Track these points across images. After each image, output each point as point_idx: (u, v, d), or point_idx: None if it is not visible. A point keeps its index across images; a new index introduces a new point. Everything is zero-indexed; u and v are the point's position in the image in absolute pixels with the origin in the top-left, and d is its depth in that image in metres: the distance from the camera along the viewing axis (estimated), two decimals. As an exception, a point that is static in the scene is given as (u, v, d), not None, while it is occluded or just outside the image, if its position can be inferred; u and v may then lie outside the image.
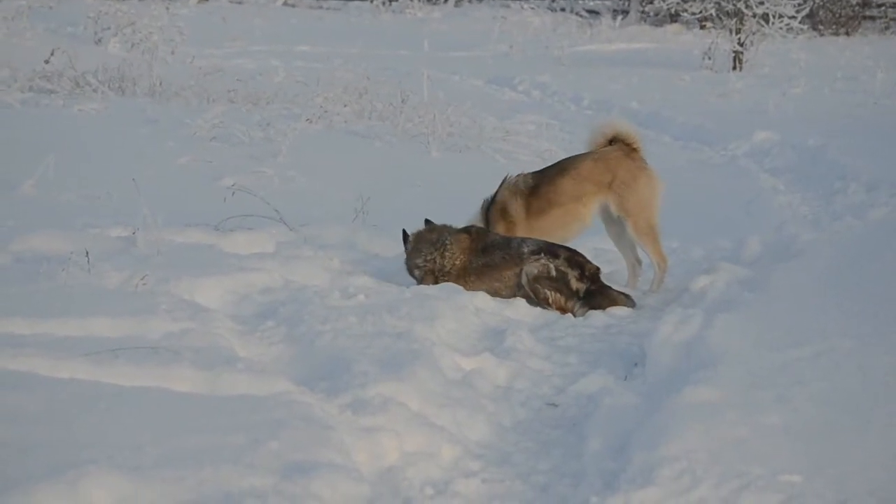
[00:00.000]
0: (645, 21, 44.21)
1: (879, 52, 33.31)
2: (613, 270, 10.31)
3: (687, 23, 41.53)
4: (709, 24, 34.69)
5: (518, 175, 10.33)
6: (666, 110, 21.52)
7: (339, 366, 7.12)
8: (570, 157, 10.47)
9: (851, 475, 5.40)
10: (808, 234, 11.05)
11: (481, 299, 9.11)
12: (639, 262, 10.27)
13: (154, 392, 6.39)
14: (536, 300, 9.36)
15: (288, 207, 11.27)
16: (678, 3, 32.85)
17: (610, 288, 9.53)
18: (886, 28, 42.48)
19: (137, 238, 9.48)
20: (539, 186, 10.14)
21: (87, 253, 8.60)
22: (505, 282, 9.47)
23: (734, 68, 29.82)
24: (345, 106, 18.22)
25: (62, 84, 19.49)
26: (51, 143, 14.46)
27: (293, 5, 48.83)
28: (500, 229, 10.06)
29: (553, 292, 9.34)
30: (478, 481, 6.04)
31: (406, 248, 9.73)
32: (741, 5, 29.73)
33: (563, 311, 9.30)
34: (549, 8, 46.17)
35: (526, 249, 9.47)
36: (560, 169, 10.24)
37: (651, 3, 38.79)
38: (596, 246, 10.55)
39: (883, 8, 43.13)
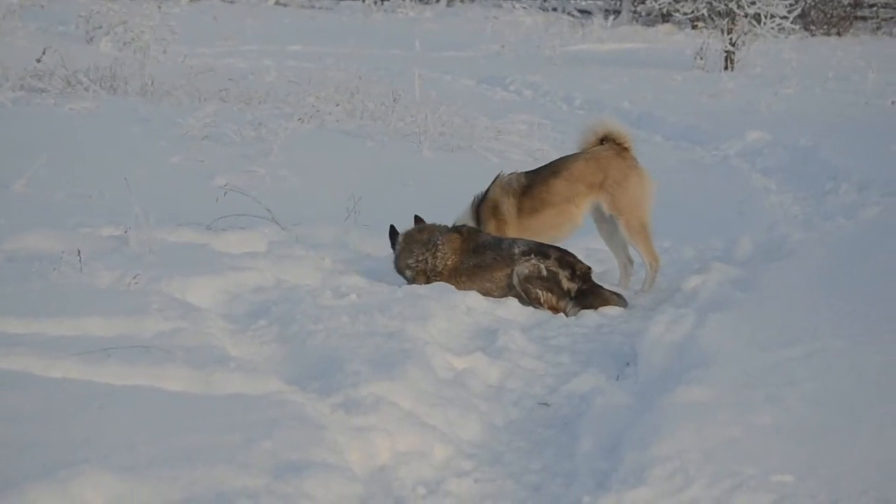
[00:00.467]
0: (637, 21, 44.22)
1: (871, 52, 33.33)
2: (605, 270, 10.33)
3: (679, 23, 41.53)
4: (700, 24, 34.67)
5: (511, 174, 10.33)
6: (658, 110, 21.52)
7: (331, 365, 7.12)
8: (562, 158, 10.48)
9: (843, 475, 5.41)
10: (800, 233, 11.07)
11: (473, 299, 9.12)
12: (630, 261, 10.28)
13: (146, 391, 6.39)
14: (528, 300, 9.36)
15: (280, 207, 11.27)
16: (670, 3, 32.85)
17: (602, 287, 9.54)
18: (878, 28, 42.52)
19: (129, 237, 9.47)
20: (531, 186, 10.15)
21: (78, 252, 8.59)
22: (496, 282, 9.47)
23: (726, 68, 29.83)
24: (337, 105, 18.20)
25: (54, 83, 19.44)
26: (42, 143, 14.44)
27: (285, 5, 48.80)
28: (490, 228, 10.06)
29: (544, 292, 9.35)
30: (470, 481, 6.04)
31: (394, 248, 9.73)
32: (733, 5, 29.74)
33: (555, 310, 9.31)
34: (540, 8, 46.14)
35: (517, 250, 9.47)
36: (552, 169, 10.25)
37: (643, 2, 38.78)
38: (588, 246, 10.55)
39: (874, 8, 43.18)
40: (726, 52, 30.06)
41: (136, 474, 5.23)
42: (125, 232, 9.67)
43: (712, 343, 7.23)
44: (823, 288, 8.45)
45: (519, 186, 10.19)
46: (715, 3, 30.32)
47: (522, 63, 31.45)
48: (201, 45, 30.55)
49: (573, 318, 9.17)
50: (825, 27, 41.13)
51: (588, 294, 9.40)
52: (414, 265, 9.61)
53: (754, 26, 29.77)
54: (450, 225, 9.93)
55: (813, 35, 40.12)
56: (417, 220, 9.91)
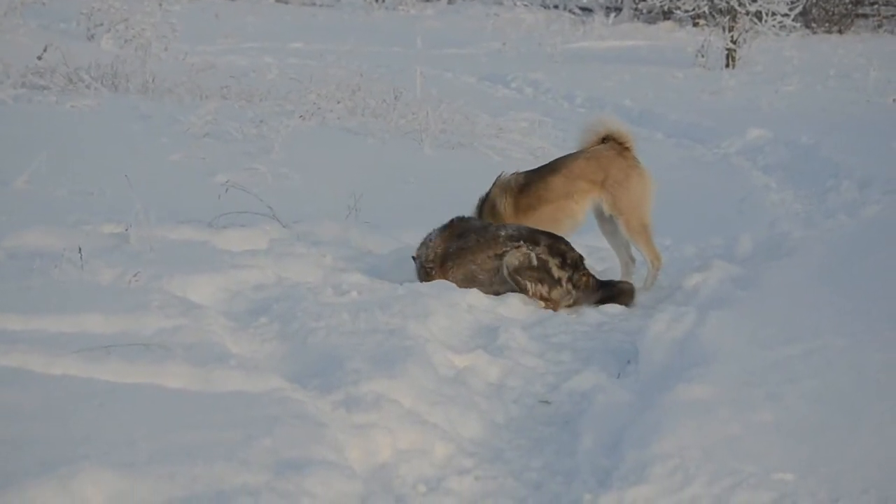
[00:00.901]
0: (638, 18, 44.22)
1: (872, 49, 33.33)
2: (607, 268, 10.32)
3: (680, 20, 41.51)
4: (702, 22, 34.65)
5: (511, 174, 10.34)
6: (658, 108, 21.52)
7: (331, 363, 7.12)
8: (562, 156, 10.48)
9: (844, 473, 5.41)
10: (801, 231, 11.07)
11: (474, 296, 9.10)
12: (632, 259, 10.27)
13: (147, 388, 6.39)
14: (519, 291, 9.34)
15: (281, 204, 11.26)
16: (671, 1, 32.87)
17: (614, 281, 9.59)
18: (879, 26, 42.51)
19: (130, 235, 9.47)
20: (529, 184, 10.16)
21: (79, 249, 8.59)
22: (480, 264, 9.41)
23: (727, 66, 29.83)
24: (338, 103, 18.20)
25: (55, 80, 19.44)
26: (43, 140, 14.43)
27: (286, 2, 48.79)
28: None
29: (534, 283, 9.31)
30: (471, 479, 6.04)
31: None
32: (734, 3, 29.75)
33: (545, 301, 9.29)
34: (542, 5, 46.12)
35: (503, 233, 9.43)
36: (551, 167, 10.26)
37: (644, 0, 38.79)
38: (589, 244, 10.55)
39: (876, 6, 43.15)
40: (727, 49, 30.06)
41: (136, 471, 5.23)
42: (126, 229, 9.66)
43: (713, 341, 7.23)
44: (824, 286, 8.45)
45: (516, 185, 10.19)
46: (716, 1, 30.34)
47: (523, 60, 31.45)
48: (202, 42, 30.57)
49: (574, 315, 9.16)
50: (826, 25, 41.12)
51: (607, 285, 9.43)
52: (419, 265, 9.63)
53: (755, 24, 29.77)
54: None
55: (814, 33, 40.11)
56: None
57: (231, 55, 28.97)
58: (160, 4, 24.13)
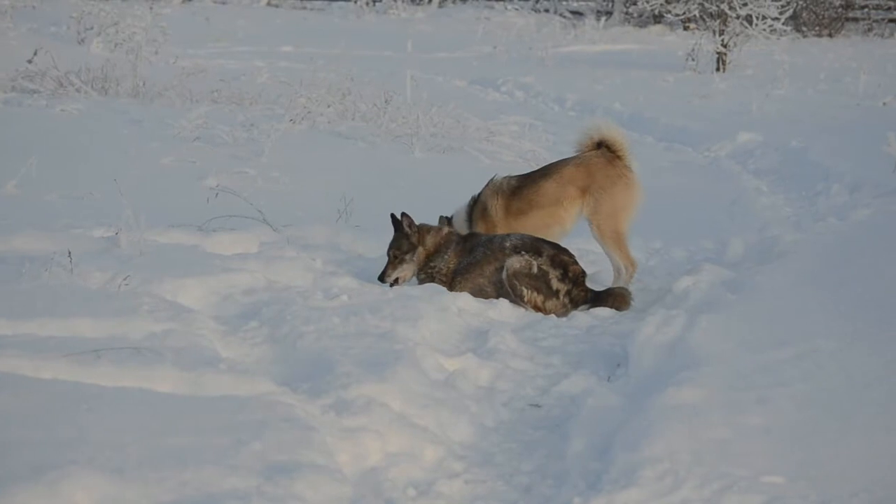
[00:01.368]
0: (629, 22, 44.22)
1: (862, 53, 33.38)
2: (597, 271, 10.31)
3: (671, 24, 41.58)
4: (692, 26, 34.68)
5: (504, 177, 10.35)
6: (649, 111, 21.53)
7: (321, 366, 7.12)
8: (554, 162, 10.50)
9: (834, 476, 5.42)
10: (791, 235, 11.08)
11: (464, 300, 9.11)
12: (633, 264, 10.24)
13: (136, 393, 6.38)
14: (513, 295, 9.34)
15: (271, 208, 11.26)
16: (662, 5, 32.88)
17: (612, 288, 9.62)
18: (869, 30, 42.55)
19: (120, 238, 9.46)
20: (521, 188, 10.17)
21: (69, 253, 8.58)
22: (489, 277, 9.42)
23: (718, 69, 29.85)
24: (328, 107, 18.18)
25: (45, 84, 19.42)
26: (34, 144, 14.42)
27: (277, 6, 48.74)
28: (480, 228, 10.11)
29: (530, 291, 9.33)
30: (461, 482, 6.04)
31: None
32: (725, 7, 29.76)
33: (539, 311, 9.30)
34: (532, 9, 46.16)
35: (508, 244, 9.45)
36: (543, 172, 10.28)
37: (635, 4, 38.80)
38: (580, 247, 10.54)
39: (866, 10, 43.20)
40: (718, 53, 30.07)
41: (125, 476, 5.22)
42: (116, 233, 9.65)
43: (703, 344, 7.23)
44: (814, 289, 8.46)
45: (509, 188, 10.21)
46: (707, 5, 30.34)
47: (514, 64, 31.46)
48: (193, 46, 30.53)
49: (564, 319, 9.16)
50: (817, 28, 41.16)
51: (602, 292, 9.46)
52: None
53: (746, 27, 29.79)
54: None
55: (805, 36, 40.14)
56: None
57: (221, 59, 28.95)
58: (150, 8, 24.07)
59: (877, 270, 8.65)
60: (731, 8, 29.73)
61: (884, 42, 39.43)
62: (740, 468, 5.51)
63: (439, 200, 10.52)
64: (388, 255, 9.67)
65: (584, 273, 9.52)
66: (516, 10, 43.20)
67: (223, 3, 46.89)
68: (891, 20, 42.91)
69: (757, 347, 7.08)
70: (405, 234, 9.66)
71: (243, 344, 7.76)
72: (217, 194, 11.52)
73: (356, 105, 18.64)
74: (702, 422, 5.99)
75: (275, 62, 28.40)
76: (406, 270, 9.64)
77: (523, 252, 9.41)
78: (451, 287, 9.47)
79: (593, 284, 9.71)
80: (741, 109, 21.58)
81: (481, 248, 9.54)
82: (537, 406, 7.20)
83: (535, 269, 9.34)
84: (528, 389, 7.50)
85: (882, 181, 13.52)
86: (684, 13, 31.64)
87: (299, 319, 8.00)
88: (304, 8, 49.04)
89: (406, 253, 9.65)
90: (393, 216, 9.69)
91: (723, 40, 29.97)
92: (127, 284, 8.34)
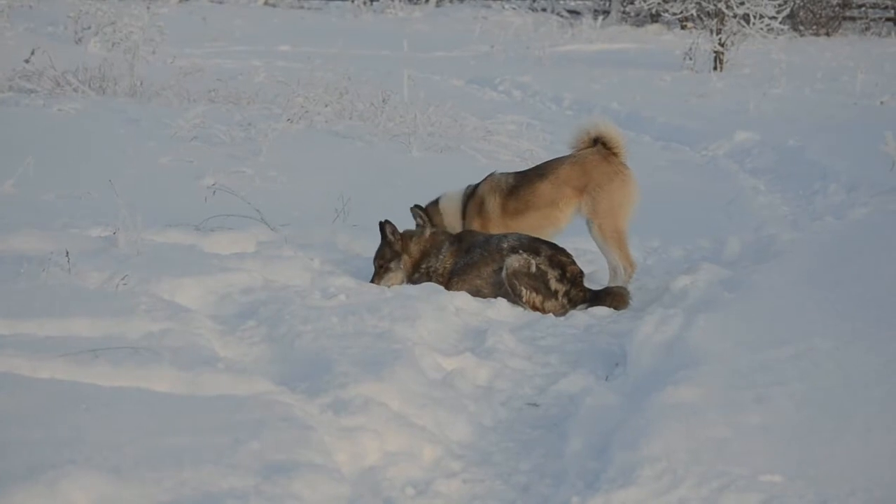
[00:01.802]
0: (626, 21, 44.22)
1: (860, 52, 33.39)
2: (594, 270, 10.31)
3: (668, 23, 41.57)
4: (690, 25, 34.73)
5: (502, 174, 10.34)
6: (646, 110, 21.53)
7: (319, 366, 7.11)
8: (550, 161, 10.47)
9: (832, 475, 5.42)
10: (788, 234, 11.07)
11: (462, 299, 9.11)
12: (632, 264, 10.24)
13: (134, 392, 6.38)
14: (512, 295, 9.34)
15: (269, 207, 11.26)
16: (659, 4, 32.87)
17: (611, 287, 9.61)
18: (867, 29, 42.56)
19: (118, 238, 9.45)
20: (518, 187, 10.15)
21: (67, 253, 8.57)
22: (486, 278, 9.43)
23: (715, 69, 29.85)
24: (326, 106, 18.17)
25: (42, 84, 19.41)
26: (31, 143, 14.40)
27: (274, 5, 48.74)
28: (475, 224, 10.10)
29: (529, 290, 9.33)
30: (459, 481, 6.04)
31: None
32: (722, 6, 29.76)
33: (538, 311, 9.30)
34: (530, 8, 46.18)
35: (505, 245, 9.45)
36: (539, 172, 10.25)
37: (632, 3, 38.78)
38: (577, 246, 10.54)
39: (863, 9, 43.22)
40: (715, 52, 30.08)
41: (123, 475, 5.22)
42: (114, 233, 9.64)
43: (701, 343, 7.23)
44: (812, 288, 8.46)
45: (506, 186, 10.19)
46: (704, 4, 30.33)
47: (511, 63, 31.46)
48: (190, 45, 30.51)
49: (562, 318, 9.17)
50: (814, 27, 41.17)
51: (601, 291, 9.46)
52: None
53: (743, 26, 29.79)
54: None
55: (802, 35, 40.15)
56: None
57: (219, 58, 28.93)
58: (148, 8, 24.05)
59: (874, 269, 8.65)
60: (728, 7, 29.73)
61: (881, 41, 39.44)
62: (738, 467, 5.51)
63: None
64: (374, 264, 9.68)
65: (582, 273, 9.53)
66: (513, 9, 43.22)
67: (220, 3, 46.89)
68: (888, 19, 42.94)
69: (755, 346, 7.08)
70: (388, 243, 9.68)
71: (241, 343, 7.76)
72: (214, 194, 11.52)
73: (353, 104, 18.64)
74: (700, 421, 5.99)
75: (272, 61, 28.39)
76: (392, 279, 9.63)
77: (521, 251, 9.41)
78: (447, 287, 9.47)
79: (591, 284, 9.71)
80: (738, 108, 21.59)
81: (479, 249, 9.55)
82: (535, 405, 7.20)
83: (533, 269, 9.34)
84: (526, 389, 7.50)
85: (879, 180, 13.53)
86: (681, 12, 31.64)
87: (297, 319, 8.00)
88: (302, 7, 49.04)
89: (390, 261, 9.66)
90: (379, 224, 9.70)
91: (720, 39, 29.98)
92: (125, 284, 8.33)
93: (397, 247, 9.67)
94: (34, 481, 5.03)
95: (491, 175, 10.33)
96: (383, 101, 18.11)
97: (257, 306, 8.41)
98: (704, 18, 30.60)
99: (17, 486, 4.99)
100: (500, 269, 9.39)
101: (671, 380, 6.61)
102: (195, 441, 5.66)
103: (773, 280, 8.87)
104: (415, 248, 9.72)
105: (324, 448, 5.89)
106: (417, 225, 9.93)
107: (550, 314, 9.26)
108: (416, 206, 10.06)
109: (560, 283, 9.37)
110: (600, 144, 10.14)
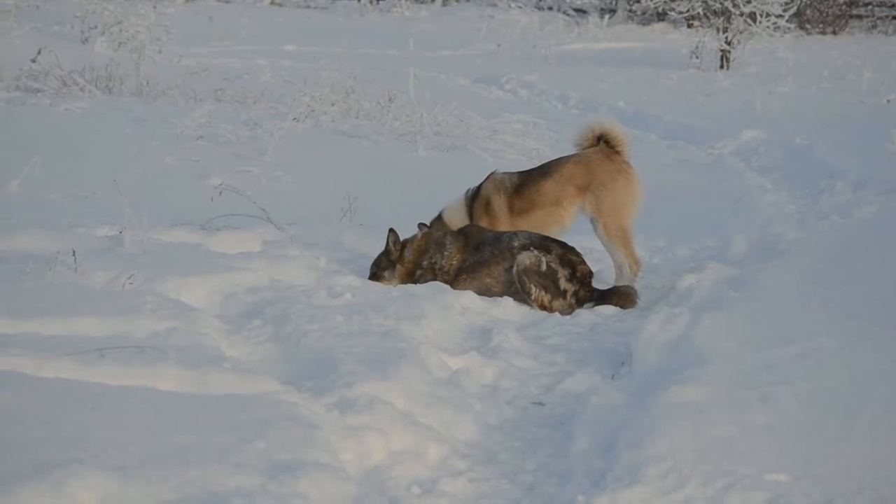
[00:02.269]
0: (632, 20, 44.22)
1: (866, 51, 33.37)
2: (600, 269, 10.31)
3: (674, 22, 41.57)
4: (696, 23, 34.70)
5: (504, 173, 10.34)
6: (653, 109, 21.53)
7: (325, 365, 7.11)
8: (554, 160, 10.47)
9: (838, 474, 5.41)
10: (795, 233, 11.07)
11: (468, 298, 9.11)
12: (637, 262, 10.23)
13: (140, 391, 6.38)
14: (521, 292, 9.34)
15: (275, 206, 11.26)
16: (665, 2, 32.87)
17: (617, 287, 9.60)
18: (873, 27, 42.53)
19: (124, 237, 9.46)
20: (523, 186, 10.15)
21: (73, 252, 8.58)
22: (496, 277, 9.43)
23: (721, 67, 29.84)
24: (332, 105, 18.19)
25: (49, 83, 19.44)
26: (37, 143, 14.42)
27: (280, 4, 48.77)
28: (482, 224, 10.09)
29: (538, 289, 9.32)
30: (464, 480, 6.04)
31: None
32: (728, 4, 29.75)
33: (545, 309, 9.30)
34: (536, 7, 46.18)
35: (516, 244, 9.44)
36: (543, 171, 10.24)
37: (638, 1, 38.85)
38: (583, 245, 10.54)
39: (870, 7, 43.17)
40: (722, 50, 30.08)
41: (129, 474, 5.22)
42: (120, 232, 9.66)
43: (707, 342, 7.23)
44: (818, 287, 8.45)
45: (511, 185, 10.19)
46: (710, 2, 30.34)
47: (518, 62, 31.47)
48: (196, 45, 30.55)
49: (568, 317, 9.16)
50: (820, 26, 41.15)
51: (607, 291, 9.46)
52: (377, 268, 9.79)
53: (750, 25, 29.79)
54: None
55: (808, 34, 40.15)
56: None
57: (225, 58, 28.96)
58: (154, 7, 24.07)
59: (881, 268, 8.64)
60: (734, 5, 29.72)
61: (888, 39, 39.42)
62: (744, 466, 5.50)
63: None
64: (370, 270, 9.73)
65: (591, 273, 9.52)
66: (520, 7, 43.22)
67: (226, 2, 46.92)
68: (894, 17, 42.88)
69: (761, 345, 7.07)
70: (387, 252, 9.72)
71: (247, 342, 7.76)
72: (220, 193, 11.53)
73: (360, 103, 18.65)
74: (706, 420, 5.99)
75: (278, 61, 28.41)
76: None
77: (532, 249, 9.41)
78: (453, 284, 9.46)
79: (597, 282, 9.70)
80: (745, 107, 21.58)
81: (489, 247, 9.54)
82: (541, 404, 7.20)
83: (544, 267, 9.34)
84: (531, 388, 7.50)
85: (886, 178, 13.51)
86: (688, 11, 31.65)
87: (303, 318, 8.00)
88: (308, 7, 49.08)
89: (384, 270, 9.69)
90: (389, 230, 9.73)
91: (726, 38, 29.97)
92: (131, 283, 8.34)
93: (393, 257, 9.69)
94: (40, 480, 5.03)
95: (492, 174, 10.33)
96: (389, 100, 18.11)
97: (263, 305, 8.41)
98: (711, 17, 30.61)
99: (22, 485, 4.99)
100: (511, 267, 9.39)
101: (677, 379, 6.60)
102: (201, 440, 5.67)
103: (779, 279, 8.87)
104: (409, 255, 9.72)
105: (329, 447, 5.89)
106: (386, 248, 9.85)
107: (557, 313, 9.25)
108: (419, 224, 10.01)
109: (569, 283, 9.37)
110: (603, 143, 10.15)
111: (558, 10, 45.97)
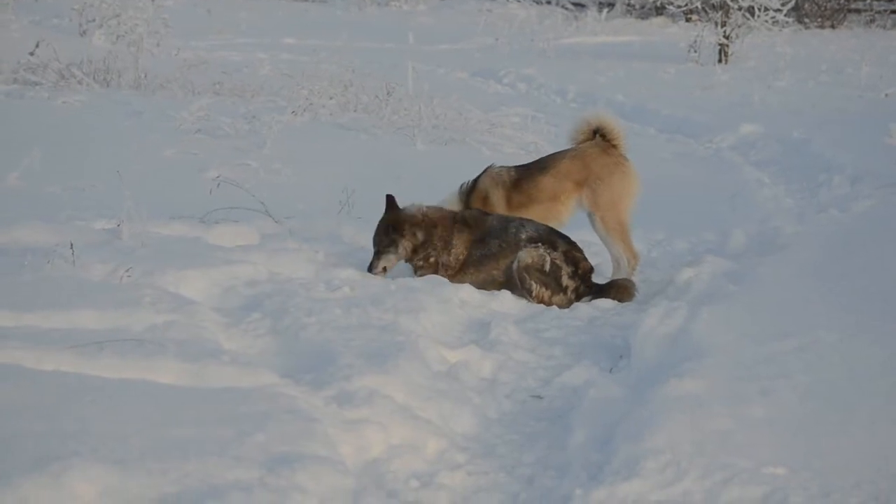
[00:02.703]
0: (631, 14, 44.23)
1: (864, 45, 33.34)
2: (598, 263, 10.31)
3: (672, 15, 41.56)
4: (694, 17, 34.70)
5: (501, 167, 10.33)
6: (651, 103, 21.52)
7: (324, 358, 7.12)
8: (551, 155, 10.47)
9: (836, 467, 5.42)
10: (793, 226, 11.08)
11: (466, 292, 9.11)
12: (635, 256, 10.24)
13: (139, 384, 6.38)
14: (520, 287, 9.34)
15: (273, 200, 11.26)
16: (664, -4, 32.86)
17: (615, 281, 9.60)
18: (872, 21, 42.52)
19: (122, 230, 9.46)
20: (521, 181, 10.15)
21: (71, 245, 8.58)
22: (504, 270, 9.43)
23: (720, 61, 29.84)
24: (330, 98, 18.18)
25: (47, 76, 19.42)
26: (36, 136, 14.41)
27: (279, -3, 48.75)
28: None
29: (539, 286, 9.32)
30: (463, 473, 6.05)
31: None
32: (726, -2, 29.76)
33: (543, 303, 9.30)
34: (534, 0, 46.14)
35: (524, 236, 9.42)
36: (541, 166, 10.24)
37: (637, -5, 38.81)
38: (582, 238, 10.54)
39: (868, 1, 43.17)
40: (720, 44, 30.07)
41: (128, 467, 5.23)
42: (118, 225, 9.65)
43: (705, 336, 7.23)
44: (816, 281, 8.46)
45: (510, 179, 10.19)
46: (708, -4, 30.34)
47: (516, 56, 31.45)
48: (195, 38, 30.52)
49: (566, 310, 9.16)
50: (819, 20, 41.14)
51: (605, 285, 9.46)
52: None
53: (748, 19, 29.77)
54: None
55: (807, 28, 40.13)
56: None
57: (223, 51, 28.93)
58: (152, 0, 24.07)
59: (879, 262, 8.64)
60: (732, 0, 29.71)
61: (886, 33, 39.42)
62: (742, 459, 5.51)
63: (441, 192, 10.50)
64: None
65: (591, 269, 9.53)
66: (518, 1, 43.12)
67: (225, -5, 46.82)
68: (893, 11, 42.87)
69: (759, 339, 7.08)
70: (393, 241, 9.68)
71: (246, 336, 7.76)
72: (219, 186, 11.52)
73: (358, 97, 18.64)
74: (704, 413, 5.99)
75: (277, 54, 28.38)
76: (388, 262, 9.62)
77: (539, 244, 9.39)
78: (458, 276, 9.45)
79: (595, 276, 9.70)
80: (743, 101, 21.58)
81: (496, 240, 9.51)
82: (539, 397, 7.21)
83: (548, 266, 9.33)
84: (530, 381, 7.51)
85: (884, 172, 13.52)
86: (686, 4, 31.65)
87: (301, 311, 8.00)
88: (306, 0, 49.01)
89: (388, 247, 9.63)
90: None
91: (725, 32, 29.96)
92: (129, 276, 8.34)
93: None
94: (40, 473, 5.04)
95: (489, 168, 10.32)
96: (388, 93, 18.10)
97: (262, 298, 8.41)
98: (709, 11, 30.60)
99: (22, 478, 5.00)
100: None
101: (675, 372, 6.61)
102: (200, 433, 5.67)
103: (777, 272, 8.87)
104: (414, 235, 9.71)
105: (328, 440, 5.90)
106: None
107: (555, 307, 9.26)
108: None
109: (571, 280, 9.38)
110: (599, 136, 10.14)
111: (556, 3, 45.94)
